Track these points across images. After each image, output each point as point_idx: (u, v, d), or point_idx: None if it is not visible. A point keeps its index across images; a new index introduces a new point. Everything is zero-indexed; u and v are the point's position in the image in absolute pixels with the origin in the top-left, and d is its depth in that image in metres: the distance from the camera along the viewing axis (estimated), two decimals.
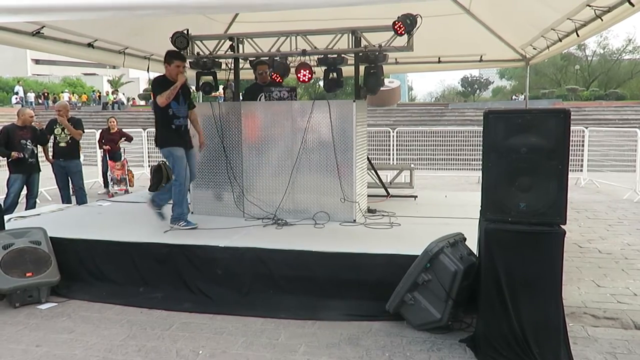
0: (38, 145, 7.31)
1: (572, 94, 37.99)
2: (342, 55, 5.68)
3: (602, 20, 4.84)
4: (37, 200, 7.57)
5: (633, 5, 4.24)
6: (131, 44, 7.26)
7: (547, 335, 3.15)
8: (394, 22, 4.94)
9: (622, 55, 43.01)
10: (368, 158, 6.29)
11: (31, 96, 35.60)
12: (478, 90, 56.21)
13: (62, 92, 37.05)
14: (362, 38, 5.52)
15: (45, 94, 36.79)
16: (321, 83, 6.18)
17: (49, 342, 3.60)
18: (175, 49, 5.45)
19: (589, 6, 4.78)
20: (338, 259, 4.17)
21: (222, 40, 6.00)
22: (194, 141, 5.37)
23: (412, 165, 7.98)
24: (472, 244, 3.81)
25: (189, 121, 5.29)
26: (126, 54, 7.39)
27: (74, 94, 41.44)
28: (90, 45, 6.68)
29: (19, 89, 36.12)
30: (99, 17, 4.50)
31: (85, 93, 43.14)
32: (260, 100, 5.91)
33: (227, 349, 3.47)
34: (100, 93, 38.93)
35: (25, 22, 5.21)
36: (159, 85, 4.99)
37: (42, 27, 5.71)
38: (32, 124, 7.36)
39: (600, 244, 6.18)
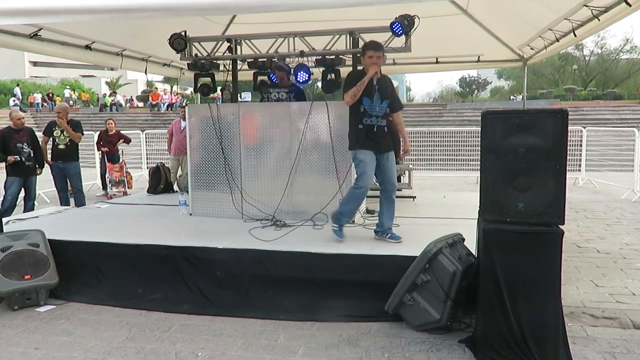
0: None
1: (570, 94, 38.04)
2: (340, 56, 5.69)
3: (599, 20, 4.85)
4: (36, 202, 7.57)
5: (630, 5, 4.24)
6: (129, 45, 7.25)
7: (546, 335, 3.16)
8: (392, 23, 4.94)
9: (619, 54, 43.07)
10: None
11: (38, 97, 35.41)
12: (476, 91, 56.19)
13: (58, 96, 36.85)
14: (359, 39, 5.53)
15: (50, 95, 36.62)
16: (319, 84, 6.18)
17: (48, 345, 3.59)
18: (371, 40, 4.76)
19: (586, 6, 4.79)
20: (337, 260, 4.17)
21: (220, 42, 6.00)
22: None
23: (411, 166, 7.97)
24: (471, 244, 3.81)
25: (385, 122, 4.58)
26: (124, 55, 7.39)
27: (75, 91, 41.41)
28: (87, 47, 6.68)
29: (17, 91, 36.04)
30: (96, 19, 4.50)
31: (84, 92, 43.09)
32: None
33: (226, 351, 3.47)
34: (97, 95, 38.94)
35: (22, 24, 5.20)
36: (350, 79, 4.51)
37: (40, 30, 5.71)
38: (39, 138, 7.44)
39: (598, 244, 6.19)
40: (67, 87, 42.25)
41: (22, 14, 3.81)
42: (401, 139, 5.01)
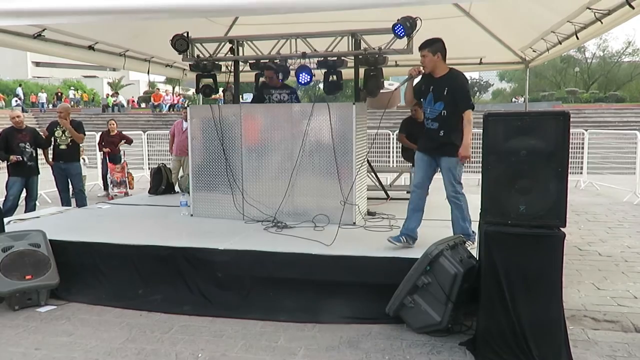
0: (37, 148, 7.32)
1: (572, 96, 38.01)
2: (342, 57, 5.68)
3: (602, 23, 4.83)
4: (37, 202, 7.57)
5: (633, 8, 4.23)
6: (132, 46, 7.26)
7: (548, 338, 3.15)
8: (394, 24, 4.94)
9: (621, 57, 43.03)
10: (368, 160, 6.29)
11: (42, 96, 35.38)
12: (478, 93, 56.12)
13: (60, 95, 36.73)
14: (362, 41, 5.53)
15: (59, 94, 36.45)
16: (321, 85, 6.18)
17: (48, 345, 3.59)
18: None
19: (589, 9, 4.78)
20: (338, 262, 4.16)
21: (222, 43, 6.00)
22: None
23: (412, 168, 7.96)
24: (472, 246, 3.80)
25: (439, 124, 4.30)
26: (127, 56, 7.39)
27: (78, 91, 41.44)
28: (91, 47, 6.68)
29: (19, 91, 36.07)
30: (102, 20, 4.49)
31: (85, 92, 43.14)
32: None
33: (226, 352, 3.46)
34: (93, 96, 38.90)
35: (27, 25, 5.20)
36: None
37: (44, 30, 5.71)
38: (41, 133, 7.43)
39: (600, 247, 6.17)
40: (72, 87, 42.31)
41: (29, 14, 3.82)
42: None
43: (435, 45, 4.27)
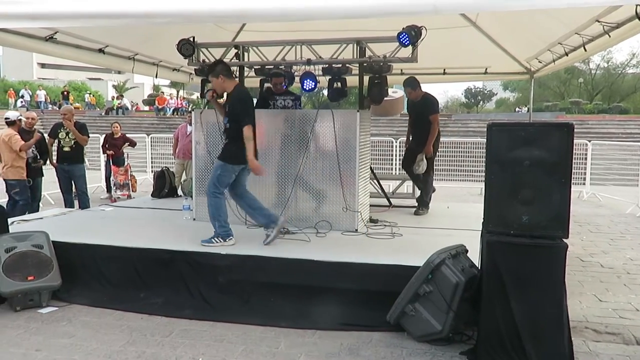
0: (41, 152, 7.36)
1: (576, 107, 38.02)
2: (347, 65, 5.70)
3: (609, 36, 4.82)
4: (40, 204, 7.60)
5: None
6: (141, 50, 7.29)
7: (550, 349, 3.14)
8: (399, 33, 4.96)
9: (625, 69, 43.07)
10: (371, 168, 6.30)
11: (41, 94, 35.33)
12: (481, 102, 56.23)
13: (66, 95, 36.71)
14: (366, 48, 5.55)
15: (65, 93, 36.32)
16: (325, 92, 6.20)
17: (49, 347, 3.59)
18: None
19: (598, 22, 4.76)
20: (339, 268, 4.16)
21: (228, 48, 6.03)
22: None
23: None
24: (474, 256, 3.80)
25: (226, 135, 4.85)
26: (136, 60, 7.42)
27: (91, 94, 41.69)
28: (101, 50, 6.71)
29: (24, 92, 36.22)
30: (116, 25, 4.49)
31: (93, 95, 43.39)
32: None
33: (226, 357, 3.46)
34: (100, 98, 39.08)
35: (40, 27, 5.23)
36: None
37: (55, 33, 5.74)
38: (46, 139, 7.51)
39: (602, 258, 6.16)
40: (87, 92, 42.63)
41: (43, 17, 3.84)
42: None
43: (214, 71, 4.68)
